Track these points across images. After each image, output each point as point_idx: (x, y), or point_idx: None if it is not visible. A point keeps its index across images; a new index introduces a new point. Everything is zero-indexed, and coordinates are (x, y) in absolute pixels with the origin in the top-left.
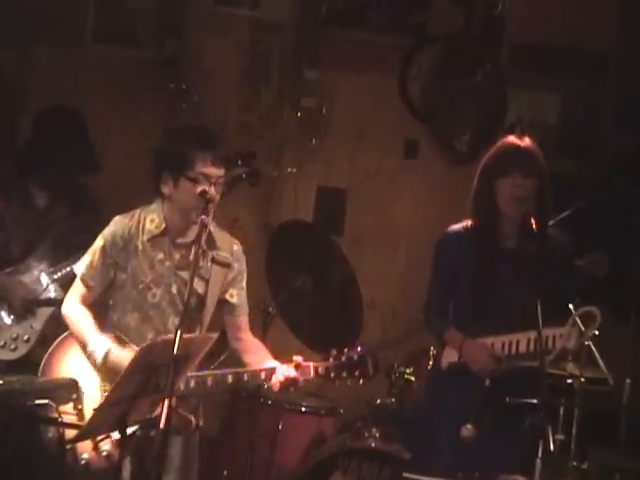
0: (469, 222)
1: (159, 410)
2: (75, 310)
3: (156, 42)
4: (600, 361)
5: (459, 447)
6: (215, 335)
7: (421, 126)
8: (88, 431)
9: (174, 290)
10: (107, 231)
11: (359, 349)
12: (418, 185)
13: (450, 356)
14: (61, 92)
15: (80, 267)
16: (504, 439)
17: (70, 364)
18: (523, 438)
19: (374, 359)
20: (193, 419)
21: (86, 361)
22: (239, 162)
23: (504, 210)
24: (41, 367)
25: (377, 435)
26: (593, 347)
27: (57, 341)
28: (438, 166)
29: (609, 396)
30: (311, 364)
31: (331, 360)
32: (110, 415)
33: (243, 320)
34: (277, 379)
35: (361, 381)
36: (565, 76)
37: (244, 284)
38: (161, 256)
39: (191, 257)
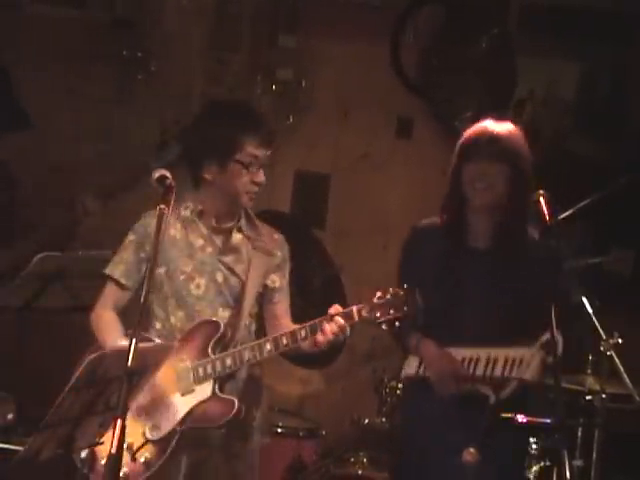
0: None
1: (109, 432)
2: (104, 317)
3: (106, 1)
4: (624, 374)
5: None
6: (175, 344)
7: (416, 102)
8: (29, 455)
9: (219, 279)
10: (138, 224)
11: (405, 285)
12: (413, 170)
13: (409, 367)
14: None
15: (111, 267)
16: (511, 466)
17: None
18: (535, 464)
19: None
20: (236, 402)
21: None
22: None
23: (470, 201)
24: None
25: (365, 461)
26: (616, 358)
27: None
28: (436, 148)
29: (634, 415)
30: (354, 307)
31: (375, 300)
32: (54, 437)
33: (282, 307)
34: (326, 331)
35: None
36: (585, 42)
37: (287, 274)
38: (200, 242)
39: (232, 242)
